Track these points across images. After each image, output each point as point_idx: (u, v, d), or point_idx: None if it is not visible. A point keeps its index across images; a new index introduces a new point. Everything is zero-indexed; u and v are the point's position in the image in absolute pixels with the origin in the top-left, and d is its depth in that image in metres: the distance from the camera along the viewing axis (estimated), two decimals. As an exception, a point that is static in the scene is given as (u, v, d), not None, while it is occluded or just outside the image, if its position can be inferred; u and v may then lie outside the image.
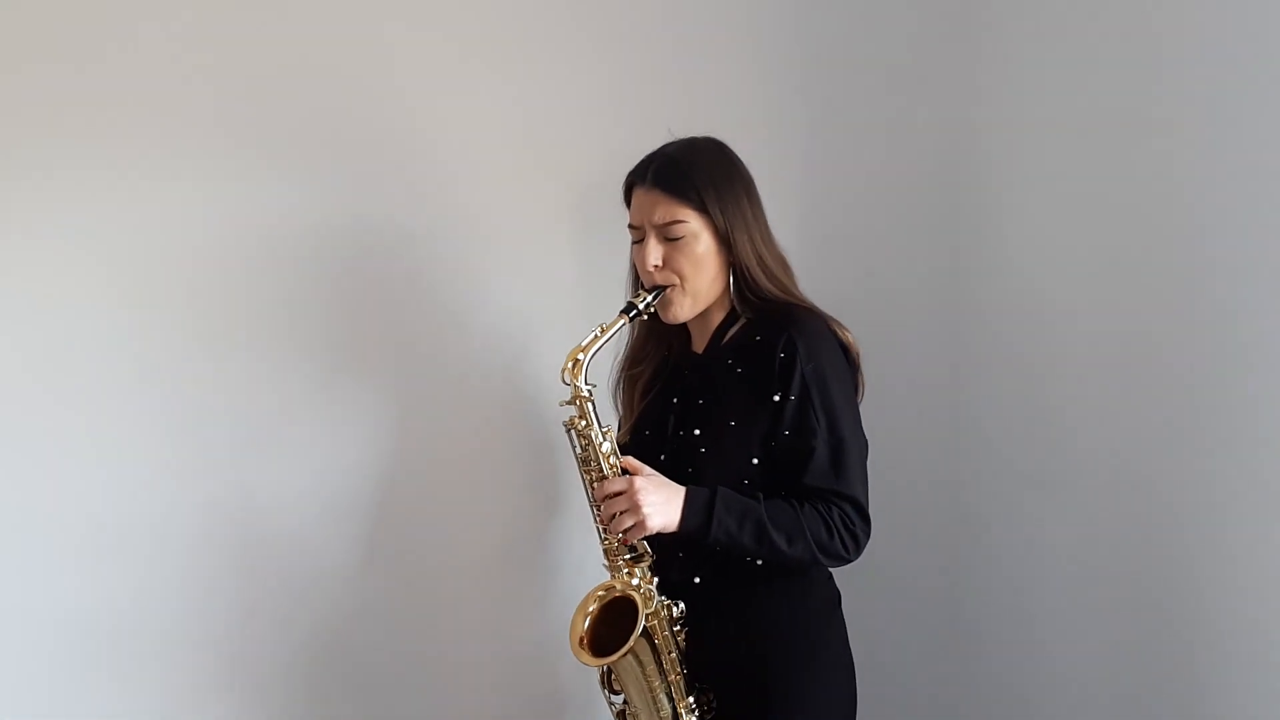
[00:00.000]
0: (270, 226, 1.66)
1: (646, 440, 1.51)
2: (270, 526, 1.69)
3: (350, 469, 1.74)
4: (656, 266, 1.42)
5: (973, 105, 2.08)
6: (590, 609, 1.41)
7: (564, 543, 1.92)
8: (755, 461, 1.38)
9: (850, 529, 1.36)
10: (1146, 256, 1.72)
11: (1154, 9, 1.68)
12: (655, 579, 1.41)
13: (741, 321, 1.45)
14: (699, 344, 1.52)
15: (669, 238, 1.41)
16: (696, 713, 1.43)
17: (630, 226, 1.47)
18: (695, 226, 1.40)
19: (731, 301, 1.46)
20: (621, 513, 1.33)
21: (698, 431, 1.43)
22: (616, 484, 1.35)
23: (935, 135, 2.13)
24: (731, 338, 1.46)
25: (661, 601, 1.41)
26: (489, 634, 1.88)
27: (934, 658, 2.22)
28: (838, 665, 1.46)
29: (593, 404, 1.42)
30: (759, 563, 1.40)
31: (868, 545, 1.39)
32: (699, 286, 1.43)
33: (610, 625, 1.38)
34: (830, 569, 1.49)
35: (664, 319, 1.46)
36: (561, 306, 1.87)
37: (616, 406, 1.63)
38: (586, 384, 1.41)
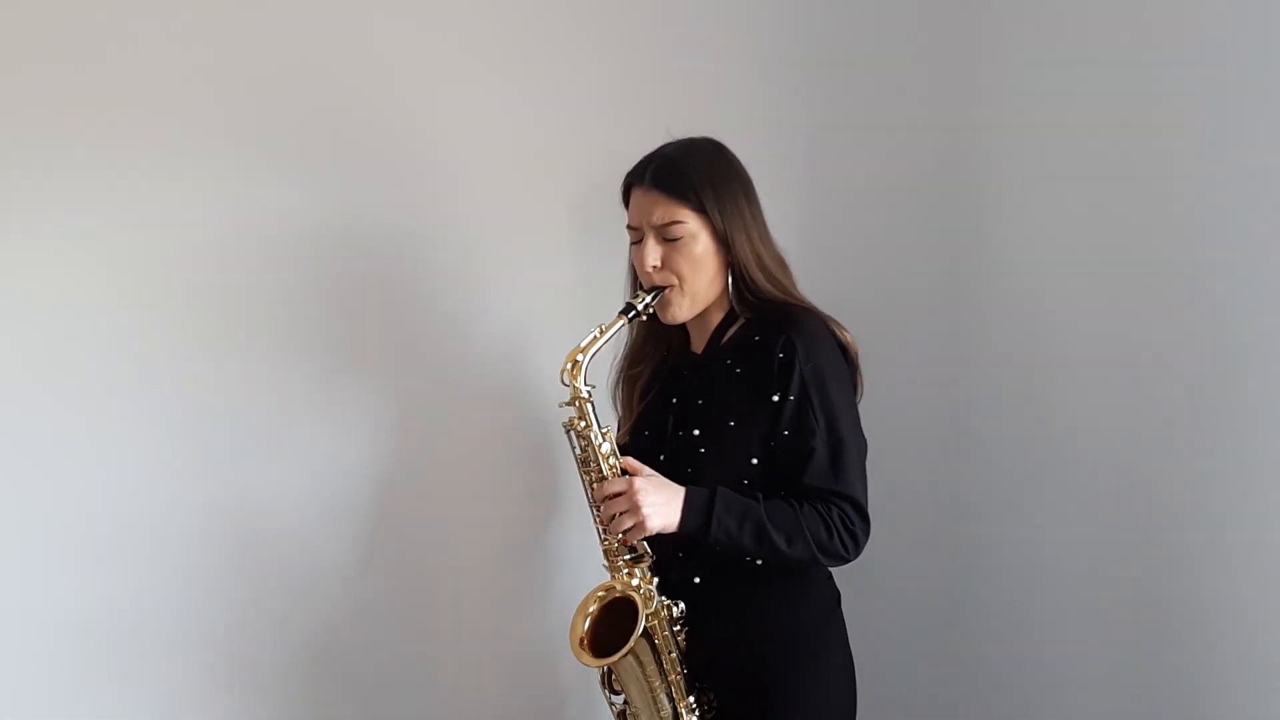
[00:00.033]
0: (270, 227, 1.66)
1: (646, 441, 1.51)
2: (270, 526, 1.69)
3: (350, 469, 1.75)
4: (655, 267, 1.42)
5: (973, 105, 2.08)
6: (590, 610, 1.41)
7: (564, 543, 1.92)
8: (754, 462, 1.38)
9: (850, 529, 1.36)
10: (1146, 256, 1.72)
11: (1154, 9, 1.68)
12: (655, 579, 1.41)
13: (740, 322, 1.45)
14: (698, 344, 1.52)
15: (667, 238, 1.41)
16: (697, 713, 1.43)
17: (629, 227, 1.47)
18: (693, 227, 1.40)
19: (730, 302, 1.46)
20: (621, 513, 1.33)
21: (697, 432, 1.43)
22: (616, 485, 1.35)
23: (935, 135, 2.13)
24: (730, 338, 1.46)
25: (661, 602, 1.41)
26: (489, 634, 1.88)
27: (934, 658, 2.22)
28: (838, 665, 1.46)
29: (592, 405, 1.42)
30: (759, 563, 1.40)
31: (867, 545, 1.39)
32: (697, 287, 1.43)
33: (610, 626, 1.38)
34: (830, 569, 1.49)
35: (663, 319, 1.46)
36: (560, 307, 1.87)
37: (616, 407, 1.63)
38: (586, 385, 1.41)
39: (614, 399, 1.63)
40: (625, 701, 1.49)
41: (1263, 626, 1.57)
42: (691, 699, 1.43)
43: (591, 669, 1.46)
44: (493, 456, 1.86)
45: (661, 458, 1.46)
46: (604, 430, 1.42)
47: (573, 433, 1.44)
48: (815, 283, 1.54)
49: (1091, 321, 1.83)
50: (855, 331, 1.47)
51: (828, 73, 2.10)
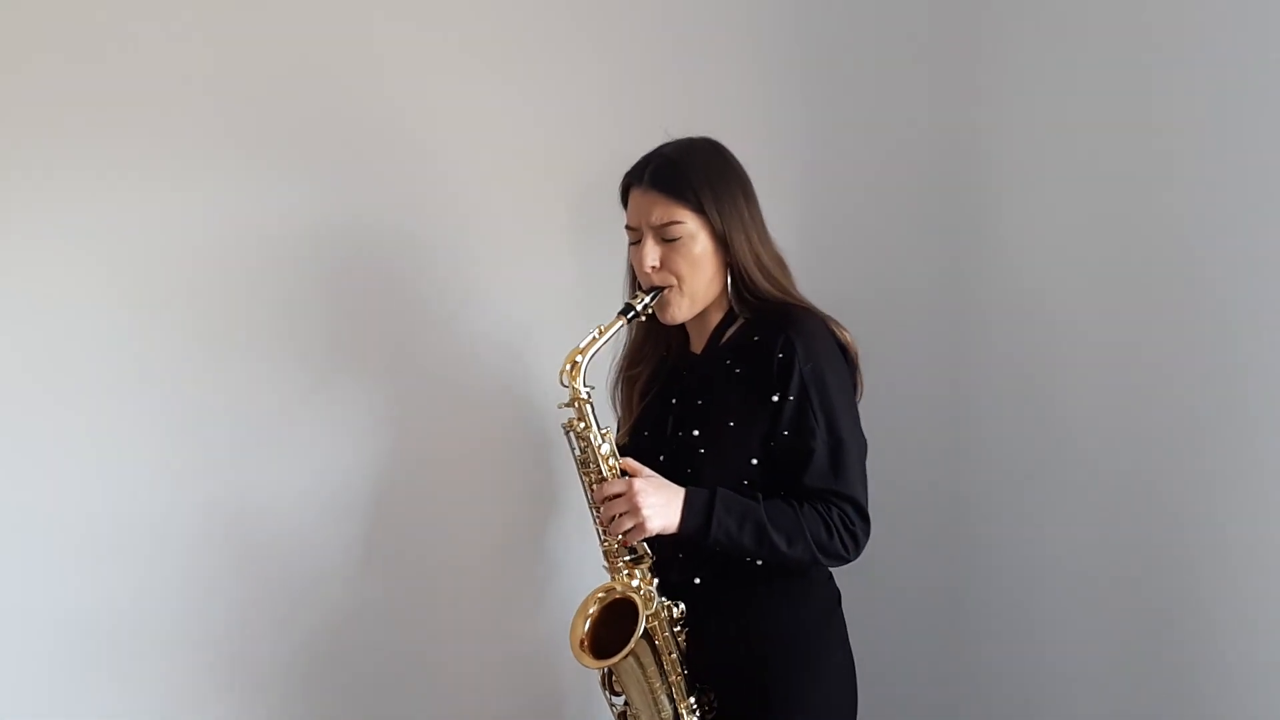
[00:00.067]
0: (270, 227, 1.66)
1: (645, 441, 1.51)
2: (270, 526, 1.69)
3: (350, 469, 1.75)
4: (654, 267, 1.42)
5: (973, 105, 2.08)
6: (590, 611, 1.41)
7: (563, 544, 1.92)
8: (754, 462, 1.38)
9: (850, 529, 1.36)
10: (1146, 256, 1.72)
11: (1154, 9, 1.68)
12: (655, 580, 1.41)
13: (739, 322, 1.45)
14: (697, 345, 1.52)
15: (666, 238, 1.41)
16: (698, 713, 1.43)
17: (628, 228, 1.47)
18: (692, 227, 1.40)
19: (729, 302, 1.46)
20: (621, 514, 1.33)
21: (696, 432, 1.43)
22: (616, 486, 1.35)
23: (935, 136, 2.13)
24: (730, 338, 1.46)
25: (662, 603, 1.41)
26: (489, 634, 1.88)
27: (934, 658, 2.22)
28: (838, 665, 1.46)
29: (591, 406, 1.42)
30: (759, 563, 1.40)
31: (868, 545, 1.39)
32: (696, 287, 1.43)
33: (611, 627, 1.38)
34: (830, 569, 1.49)
35: (662, 320, 1.46)
36: (559, 308, 1.87)
37: (615, 408, 1.63)
38: (585, 386, 1.41)
39: (613, 400, 1.63)
40: (626, 702, 1.49)
41: (1263, 626, 1.57)
42: (692, 700, 1.43)
43: (591, 670, 1.47)
44: (492, 457, 1.86)
45: (661, 458, 1.45)
46: (603, 431, 1.42)
47: (572, 434, 1.44)
48: (815, 283, 1.54)
49: (1091, 321, 1.83)
50: (855, 331, 1.47)
51: (828, 73, 2.10)
